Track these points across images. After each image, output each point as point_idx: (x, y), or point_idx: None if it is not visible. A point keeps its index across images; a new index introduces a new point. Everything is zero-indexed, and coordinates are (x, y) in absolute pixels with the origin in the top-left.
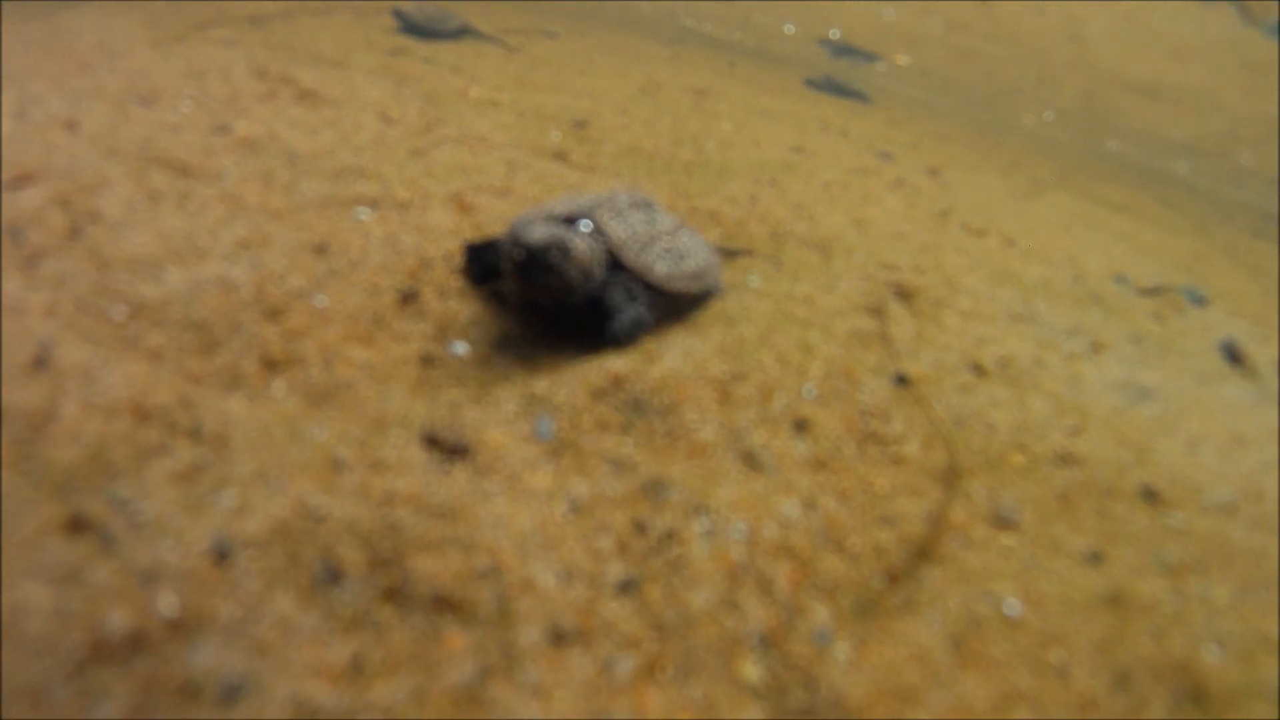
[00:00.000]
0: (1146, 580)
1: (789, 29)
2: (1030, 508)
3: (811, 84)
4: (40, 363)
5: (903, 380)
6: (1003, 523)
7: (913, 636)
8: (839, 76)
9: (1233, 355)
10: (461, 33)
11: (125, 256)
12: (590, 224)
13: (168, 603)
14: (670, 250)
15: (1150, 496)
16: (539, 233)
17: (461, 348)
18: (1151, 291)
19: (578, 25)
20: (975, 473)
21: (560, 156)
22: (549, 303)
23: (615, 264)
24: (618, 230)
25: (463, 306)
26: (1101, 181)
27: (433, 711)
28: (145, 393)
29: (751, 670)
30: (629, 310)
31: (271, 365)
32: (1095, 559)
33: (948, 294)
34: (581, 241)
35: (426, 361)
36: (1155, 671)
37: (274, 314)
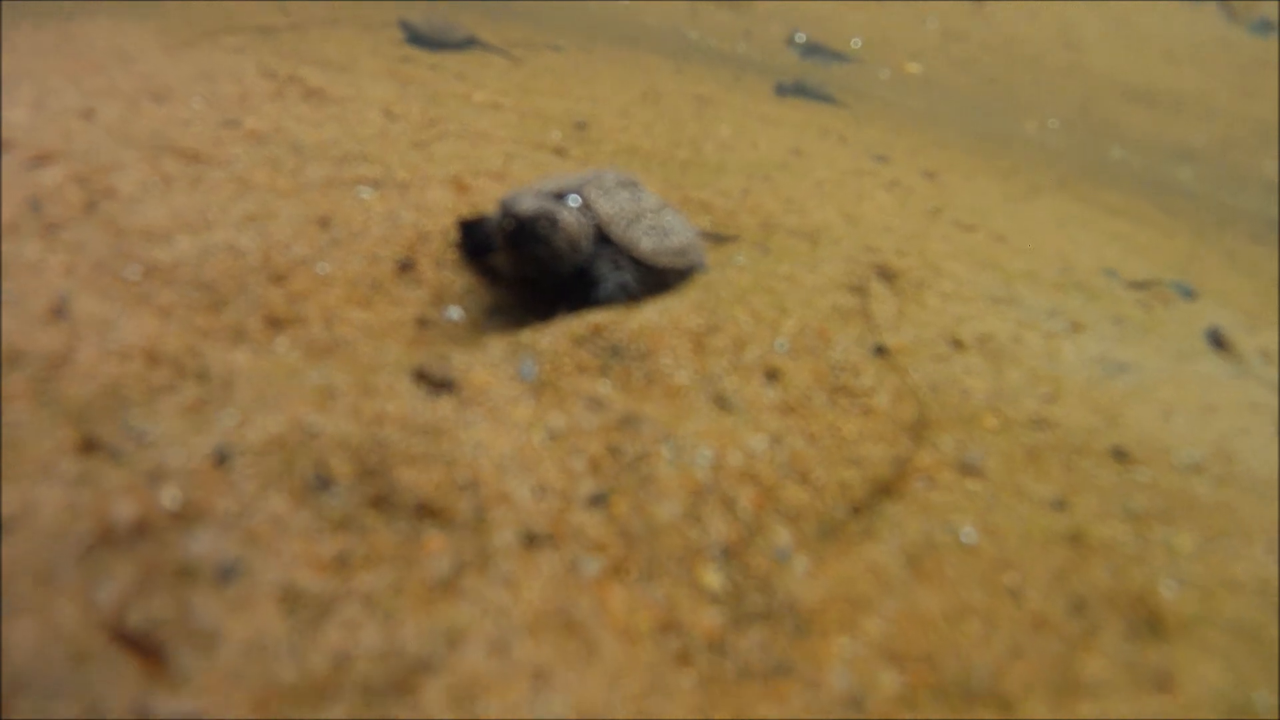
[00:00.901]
0: (1109, 525)
1: (800, 37)
2: (997, 458)
3: (783, 89)
4: (58, 312)
5: (881, 350)
6: (968, 469)
7: (870, 555)
8: (810, 81)
9: (1217, 341)
10: (467, 44)
11: (139, 226)
12: (579, 199)
13: (170, 496)
14: (655, 227)
15: (1119, 455)
16: (528, 204)
17: (455, 312)
18: (1140, 285)
19: (582, 40)
20: (945, 427)
21: (559, 152)
22: (538, 273)
23: (603, 239)
24: (605, 206)
25: (457, 277)
26: (1101, 188)
27: (410, 598)
28: (156, 341)
29: (712, 577)
30: (614, 277)
31: (275, 323)
32: (1059, 505)
33: (930, 277)
34: (569, 214)
35: (421, 324)
36: (1111, 601)
37: (278, 278)
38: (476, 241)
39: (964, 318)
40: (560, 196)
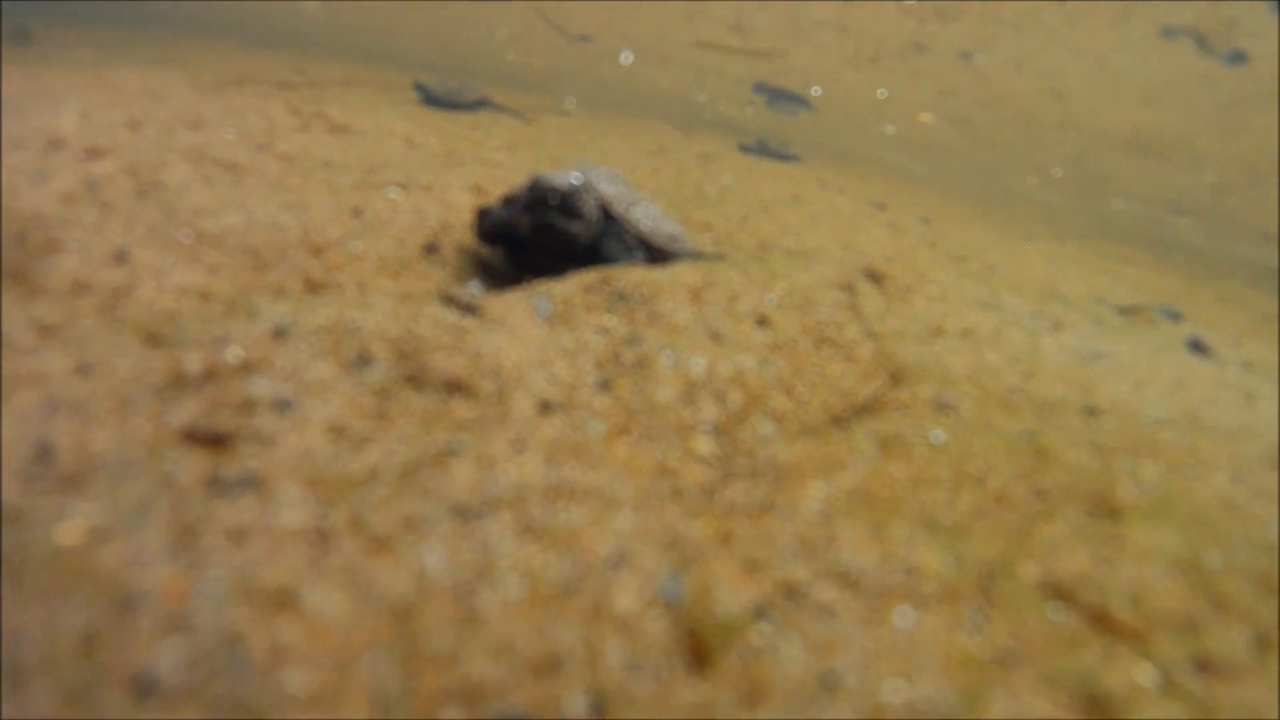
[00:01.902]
0: (1075, 452)
1: (816, 90)
2: (971, 403)
3: (745, 148)
4: (120, 257)
5: (869, 334)
6: (942, 407)
7: (846, 442)
8: (771, 141)
9: (1198, 347)
10: (479, 105)
11: (188, 206)
12: (582, 176)
13: (234, 354)
14: (649, 214)
15: (1090, 411)
16: (563, 180)
17: (475, 287)
18: (1128, 310)
19: (590, 106)
20: (925, 381)
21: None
22: (558, 246)
23: (607, 218)
24: (607, 188)
25: (478, 259)
26: (1097, 238)
27: (440, 430)
28: (207, 287)
29: (703, 444)
30: (624, 256)
31: (313, 287)
32: (1027, 436)
33: (917, 283)
34: (587, 190)
35: (445, 296)
36: (1071, 492)
37: (316, 251)
38: (492, 226)
39: (948, 315)
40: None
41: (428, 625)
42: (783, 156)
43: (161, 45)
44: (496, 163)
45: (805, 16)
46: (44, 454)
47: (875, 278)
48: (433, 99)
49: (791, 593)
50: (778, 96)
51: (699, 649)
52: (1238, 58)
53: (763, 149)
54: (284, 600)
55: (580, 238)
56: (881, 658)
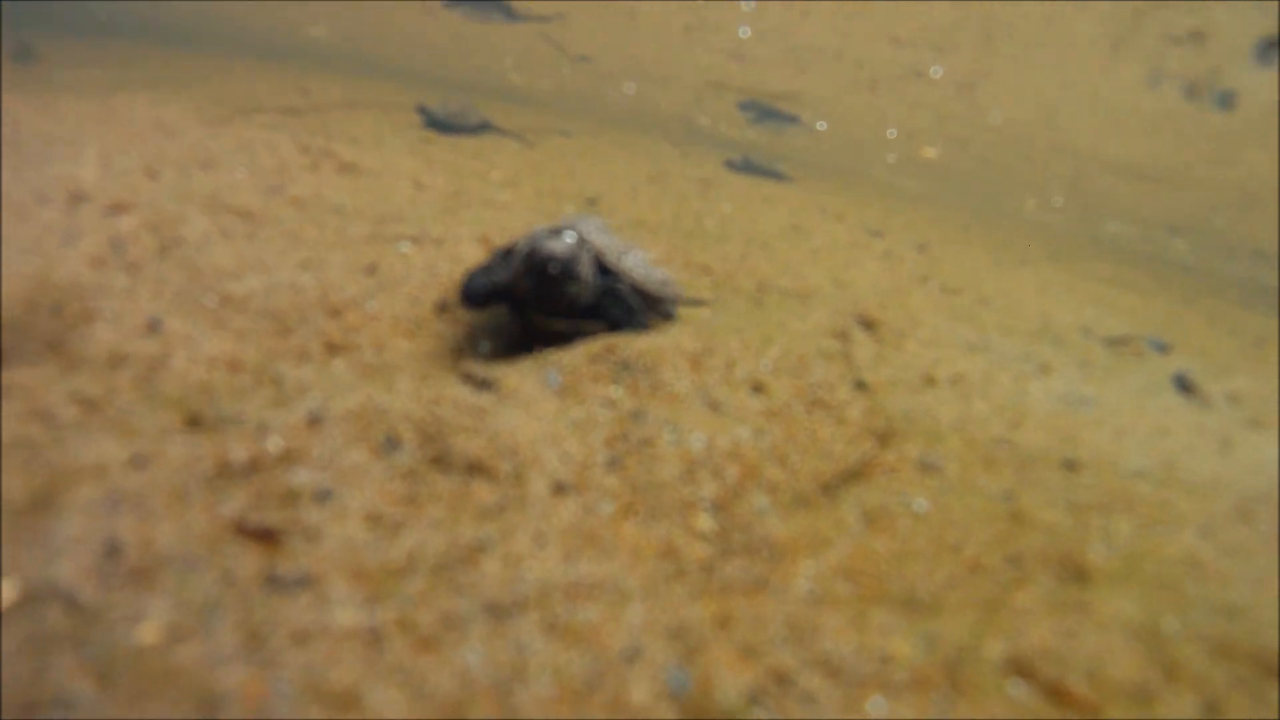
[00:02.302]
0: (1051, 511)
1: (822, 125)
2: (955, 462)
3: (731, 166)
4: (152, 327)
5: (860, 385)
6: (928, 468)
7: (834, 515)
8: (758, 159)
9: (1184, 385)
10: (482, 128)
11: (210, 266)
12: (575, 234)
13: (275, 444)
14: (639, 263)
15: (1069, 465)
16: (562, 246)
17: (485, 346)
18: (1116, 341)
19: (591, 127)
20: (911, 439)
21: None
22: (560, 307)
23: (602, 272)
24: (598, 240)
25: (488, 318)
26: (1095, 260)
27: (467, 518)
28: (236, 354)
29: (703, 521)
30: (620, 310)
31: (333, 348)
32: (1006, 496)
33: (909, 327)
34: (585, 251)
35: (458, 352)
36: (1043, 558)
37: (334, 312)
38: (484, 289)
39: (939, 361)
40: (558, 233)
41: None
42: (770, 174)
43: (167, 64)
44: (502, 204)
45: (803, 44)
46: (113, 551)
47: (868, 324)
48: (435, 122)
49: (781, 680)
50: (765, 114)
51: None
52: (1226, 100)
53: (748, 166)
54: (349, 700)
55: (580, 297)
56: None
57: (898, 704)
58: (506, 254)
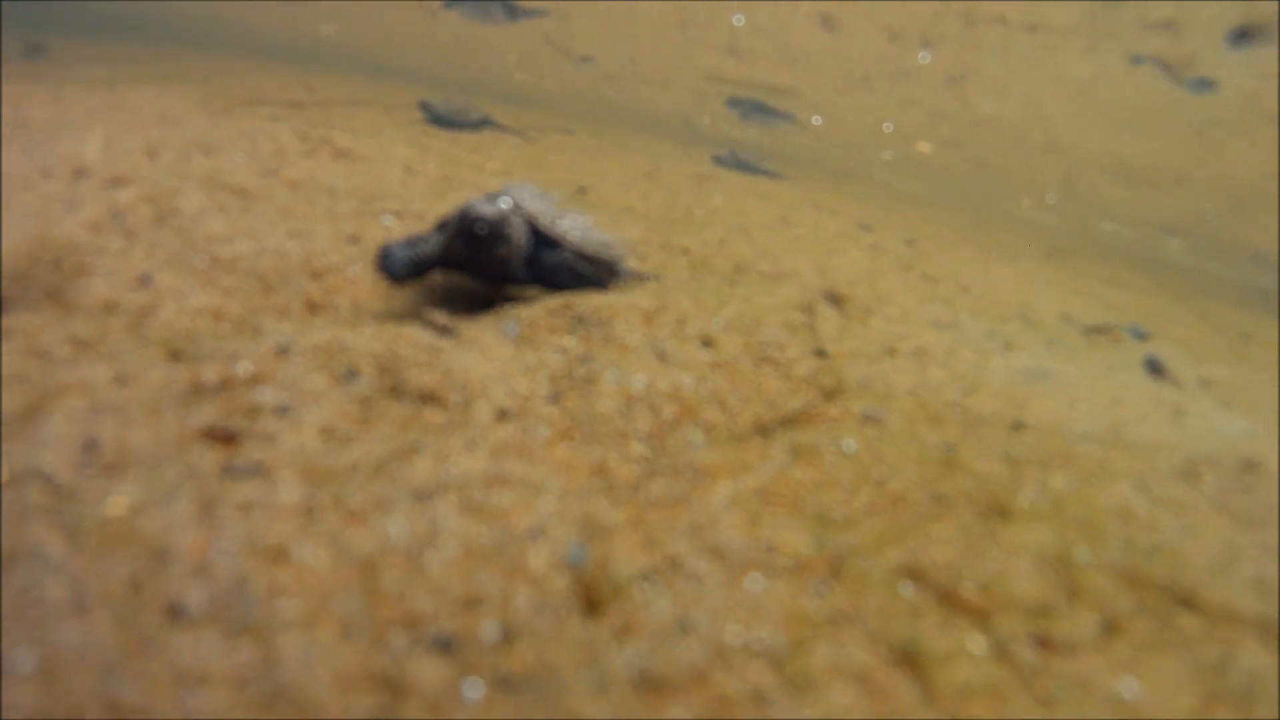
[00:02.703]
0: (987, 462)
1: (817, 119)
2: (901, 417)
3: (719, 161)
4: (144, 281)
5: (820, 353)
6: (869, 420)
7: (763, 450)
8: (745, 155)
9: (1155, 368)
10: (483, 124)
11: (203, 233)
12: (510, 200)
13: (244, 368)
14: (577, 225)
15: (1016, 426)
16: (491, 208)
17: (455, 306)
18: (1095, 329)
19: (594, 126)
20: (860, 396)
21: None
22: (493, 270)
23: (538, 238)
24: (532, 204)
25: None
26: (1088, 259)
27: (413, 432)
28: (221, 308)
29: (636, 448)
30: (560, 270)
31: (313, 307)
32: (947, 448)
33: (878, 305)
34: (515, 213)
35: (429, 310)
36: (969, 498)
37: (316, 275)
38: (402, 263)
39: (904, 336)
40: (492, 198)
41: (385, 574)
42: (757, 170)
43: (175, 61)
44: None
45: (796, 42)
46: (91, 446)
47: (836, 300)
48: (437, 118)
49: (673, 563)
50: (753, 111)
51: (592, 600)
52: (1202, 85)
53: (737, 162)
54: (279, 554)
55: (510, 261)
56: (729, 611)
57: (774, 583)
58: (442, 225)
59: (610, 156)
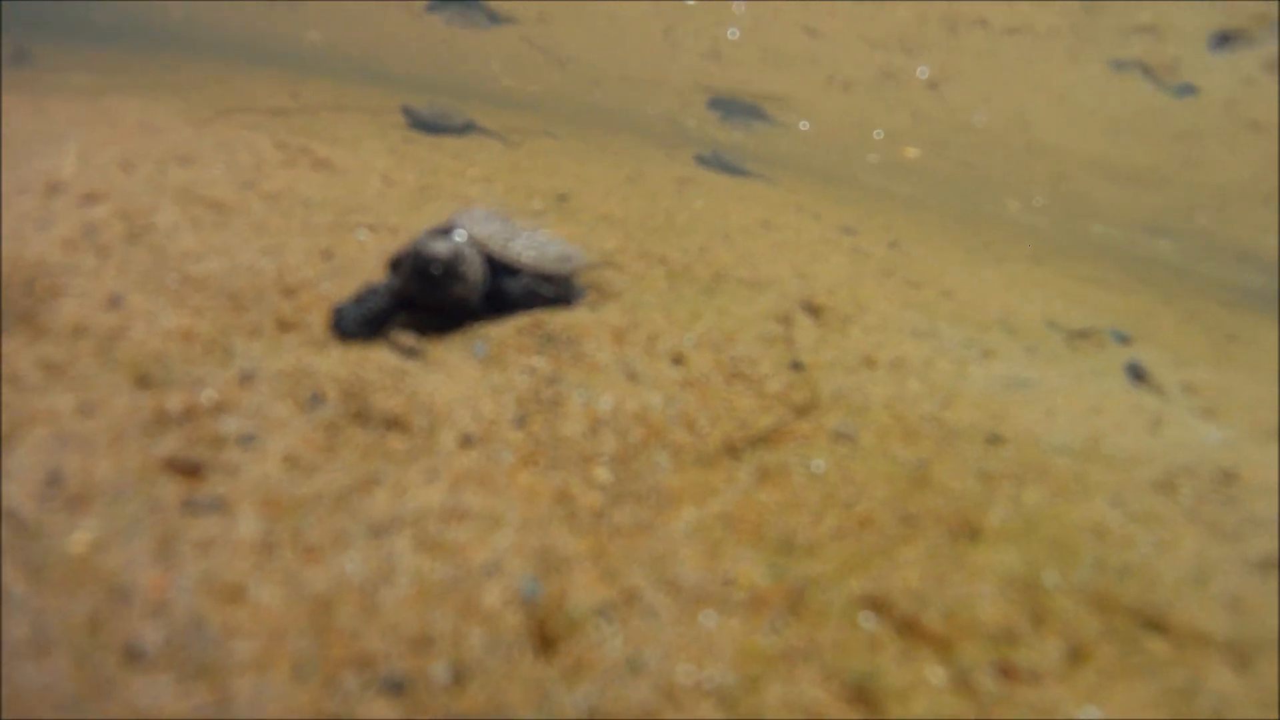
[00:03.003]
0: (961, 479)
1: (804, 125)
2: (873, 433)
3: (701, 161)
4: (114, 302)
5: (797, 365)
6: (841, 437)
7: (730, 472)
8: (727, 155)
9: (1136, 374)
10: (467, 129)
11: (176, 251)
12: (463, 231)
13: (208, 396)
14: (532, 243)
15: (993, 439)
16: (443, 246)
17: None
18: (1078, 334)
19: (580, 129)
20: (834, 412)
21: (537, 216)
22: (451, 308)
23: (493, 265)
24: (481, 230)
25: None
26: (1074, 260)
27: (375, 462)
28: (191, 328)
29: (600, 473)
30: (519, 289)
31: (285, 325)
32: (919, 464)
33: (856, 313)
34: (469, 248)
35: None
36: (939, 519)
37: (288, 292)
38: (350, 322)
39: (881, 345)
40: (446, 233)
41: (340, 613)
42: (738, 171)
43: (162, 68)
44: (468, 198)
45: (778, 47)
46: (55, 480)
47: (814, 310)
48: (421, 123)
49: (630, 597)
50: (733, 111)
51: (546, 637)
52: (1186, 89)
53: (719, 162)
54: (236, 593)
55: (469, 299)
56: (682, 649)
57: (729, 618)
58: (396, 264)
59: (594, 160)
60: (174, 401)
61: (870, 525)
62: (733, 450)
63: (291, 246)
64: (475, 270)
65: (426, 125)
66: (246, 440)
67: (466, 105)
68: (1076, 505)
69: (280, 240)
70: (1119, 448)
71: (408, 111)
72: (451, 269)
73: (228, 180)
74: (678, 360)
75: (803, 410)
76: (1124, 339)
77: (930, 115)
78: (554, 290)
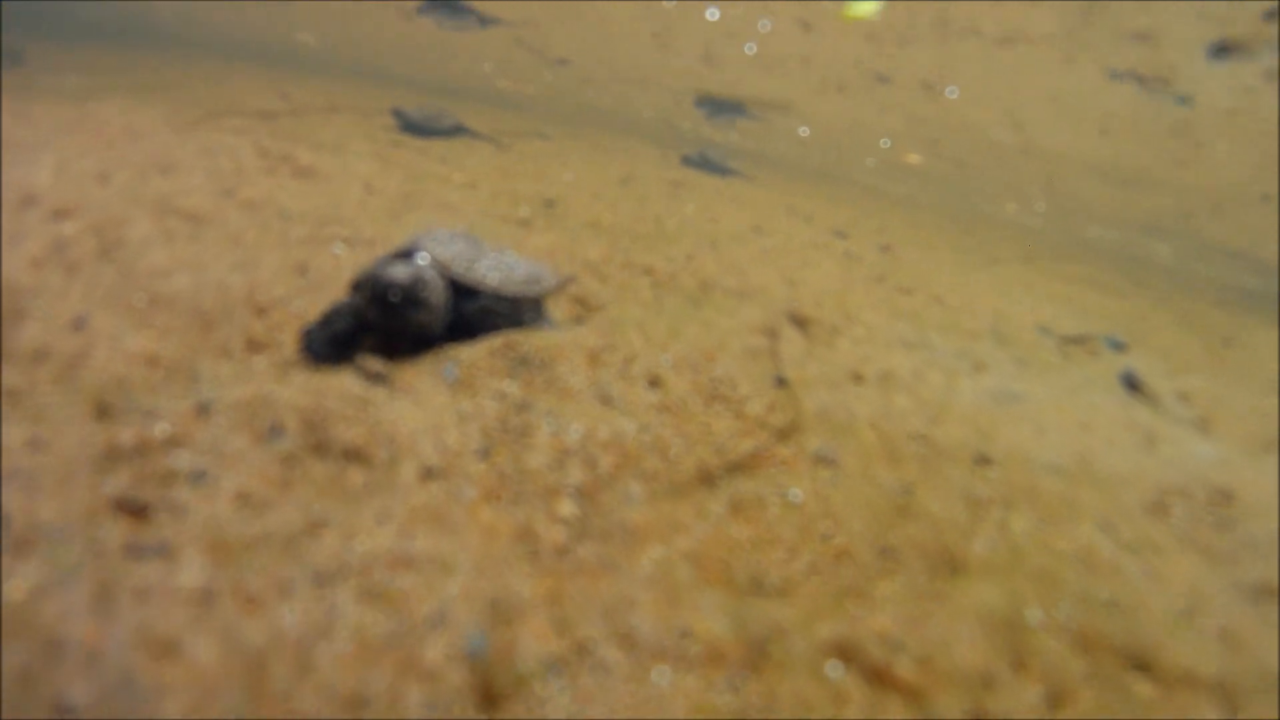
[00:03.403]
0: (945, 505)
1: (804, 130)
2: (856, 456)
3: (688, 161)
4: (78, 325)
5: (781, 381)
6: (823, 461)
7: (702, 504)
8: (713, 154)
9: (1131, 384)
10: (456, 131)
11: (145, 267)
12: (427, 255)
13: (162, 430)
14: (498, 265)
15: (981, 460)
16: (403, 271)
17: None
18: (1073, 340)
19: (570, 129)
20: (817, 433)
21: (524, 224)
22: (414, 335)
23: (457, 288)
24: (443, 252)
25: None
26: (1068, 262)
27: (330, 501)
28: (157, 350)
29: (565, 507)
30: (487, 320)
31: (255, 346)
32: (903, 490)
33: (844, 324)
34: (431, 272)
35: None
36: (920, 550)
37: (260, 311)
38: (318, 345)
39: (870, 358)
40: (407, 255)
41: (274, 669)
42: (728, 171)
43: (153, 68)
44: (452, 206)
45: (770, 49)
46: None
47: (800, 321)
48: (410, 125)
49: (582, 650)
50: (719, 109)
51: (492, 695)
52: (1183, 100)
53: (704, 162)
54: (169, 648)
55: (431, 326)
56: (631, 709)
57: (683, 676)
58: (357, 286)
59: (585, 163)
60: (126, 436)
61: (846, 559)
62: (708, 479)
63: (265, 261)
64: (438, 295)
65: (416, 127)
66: (198, 477)
67: (458, 105)
68: (1065, 531)
69: (254, 255)
70: (1110, 467)
71: (397, 113)
72: (412, 295)
73: (206, 189)
74: (654, 383)
75: (784, 433)
76: (1119, 345)
77: (923, 116)
78: (521, 313)
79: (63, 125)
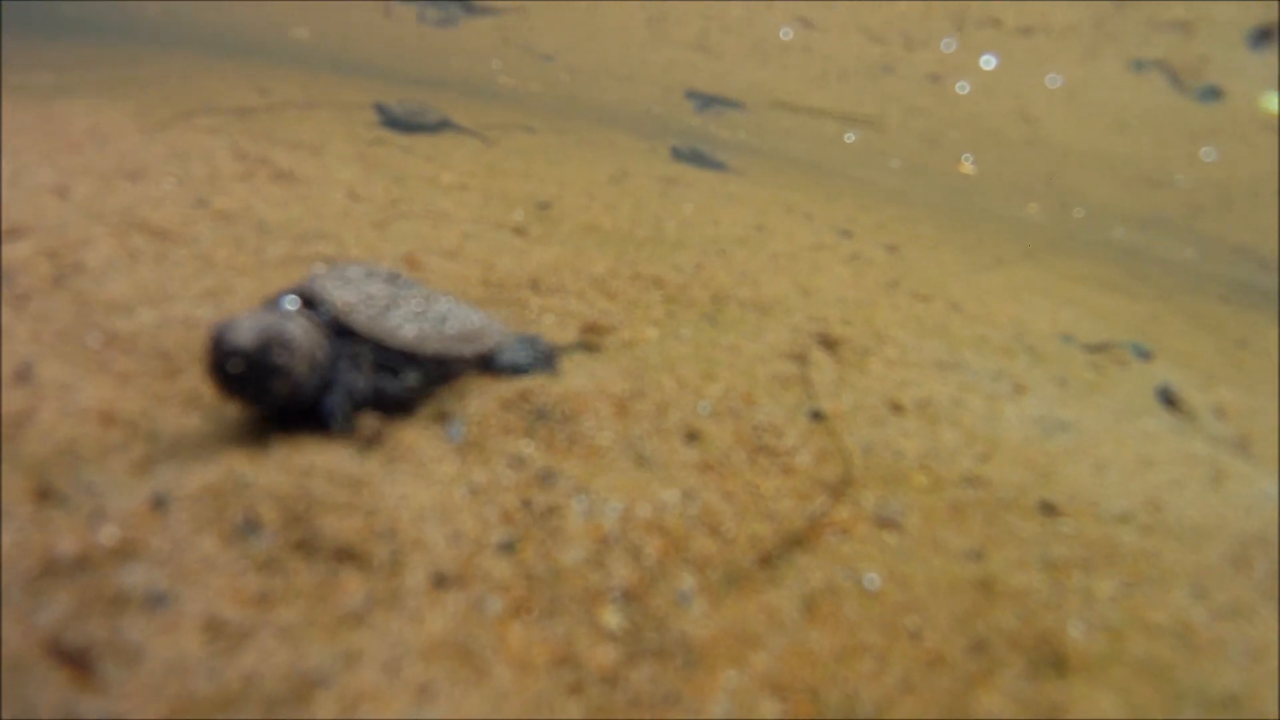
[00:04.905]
0: (1024, 573)
1: (846, 136)
2: (918, 513)
3: (678, 154)
4: (22, 376)
5: (817, 415)
6: (886, 523)
7: (768, 600)
8: (703, 149)
9: (1168, 399)
10: (441, 126)
11: (103, 299)
12: (297, 300)
13: (109, 534)
14: (424, 314)
15: (1046, 509)
16: (246, 330)
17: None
18: (1097, 348)
19: (557, 122)
20: (870, 485)
21: (519, 231)
22: (281, 405)
23: (345, 338)
24: (343, 295)
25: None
26: (1073, 259)
27: (320, 629)
28: (113, 405)
29: (611, 617)
30: (342, 383)
31: None
32: (975, 556)
33: (874, 344)
34: (294, 325)
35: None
36: (1014, 642)
37: None
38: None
39: (906, 383)
40: (274, 304)
41: None
42: (713, 164)
43: (129, 64)
44: (443, 213)
45: (769, 38)
46: None
47: (829, 343)
48: (393, 121)
49: None
50: (709, 102)
51: None
52: (1211, 94)
53: (695, 155)
54: None
55: (297, 397)
56: None
57: None
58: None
59: (575, 158)
60: (66, 544)
61: (940, 664)
62: (766, 560)
63: (238, 288)
64: (302, 357)
65: (399, 124)
66: (155, 602)
67: (442, 99)
68: (1155, 599)
69: (226, 280)
70: (1184, 514)
71: (380, 109)
72: (261, 363)
73: (177, 199)
74: (693, 436)
75: (837, 490)
76: (1145, 354)
77: (926, 108)
78: (451, 374)
79: (23, 127)
